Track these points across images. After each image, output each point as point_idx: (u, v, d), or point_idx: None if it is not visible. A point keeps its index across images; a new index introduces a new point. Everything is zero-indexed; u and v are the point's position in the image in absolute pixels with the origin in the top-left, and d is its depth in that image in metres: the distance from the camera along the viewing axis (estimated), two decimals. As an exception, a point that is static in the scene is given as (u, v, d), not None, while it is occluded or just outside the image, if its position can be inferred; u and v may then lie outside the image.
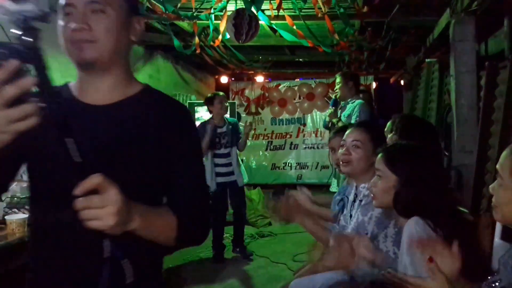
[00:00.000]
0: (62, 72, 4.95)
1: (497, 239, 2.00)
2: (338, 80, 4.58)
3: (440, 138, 4.25)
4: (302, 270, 2.89)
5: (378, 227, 1.98)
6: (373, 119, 4.74)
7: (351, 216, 2.25)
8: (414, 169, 1.74)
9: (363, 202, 2.09)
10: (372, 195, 1.88)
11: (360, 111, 4.28)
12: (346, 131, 2.40)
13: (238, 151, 5.02)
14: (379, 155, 1.84)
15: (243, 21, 4.19)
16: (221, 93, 5.02)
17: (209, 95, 5.10)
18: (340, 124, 4.31)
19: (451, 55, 4.30)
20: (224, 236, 5.07)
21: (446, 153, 4.71)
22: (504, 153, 1.31)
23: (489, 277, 1.36)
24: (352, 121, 4.20)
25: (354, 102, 4.43)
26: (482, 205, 3.46)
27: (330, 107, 4.70)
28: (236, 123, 5.10)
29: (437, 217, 1.62)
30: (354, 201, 2.24)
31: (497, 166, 1.32)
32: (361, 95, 4.69)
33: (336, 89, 4.66)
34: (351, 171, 2.28)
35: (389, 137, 2.52)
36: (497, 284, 1.29)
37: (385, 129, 2.80)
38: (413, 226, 1.60)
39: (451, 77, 4.31)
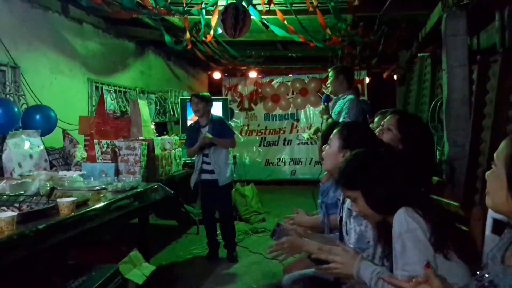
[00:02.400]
0: (52, 69, 4.93)
1: (488, 232, 1.99)
2: (330, 74, 4.46)
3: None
4: (292, 264, 2.89)
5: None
6: (363, 115, 4.69)
7: (342, 218, 2.25)
8: (369, 176, 1.76)
9: (353, 214, 2.07)
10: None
11: (349, 108, 4.14)
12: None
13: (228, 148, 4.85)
14: (339, 183, 1.89)
15: (234, 16, 4.16)
16: (197, 94, 4.79)
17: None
18: (330, 121, 4.27)
19: (443, 50, 4.30)
20: (217, 233, 4.99)
21: (439, 147, 4.71)
22: (503, 143, 1.33)
23: (477, 272, 1.35)
24: (341, 119, 4.10)
25: (345, 98, 4.29)
26: (474, 199, 3.47)
27: (322, 103, 4.60)
28: (220, 118, 4.89)
29: (421, 205, 1.63)
30: (343, 203, 2.24)
31: (494, 154, 1.34)
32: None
33: (327, 84, 4.57)
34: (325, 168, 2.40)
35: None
36: (485, 278, 1.28)
37: (374, 124, 2.81)
38: (403, 216, 1.61)
39: (443, 71, 4.30)
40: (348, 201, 2.12)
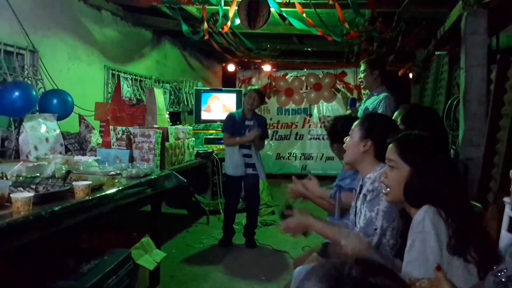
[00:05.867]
0: (69, 54, 4.96)
1: (504, 231, 1.98)
2: (362, 68, 4.15)
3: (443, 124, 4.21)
4: (303, 257, 2.90)
5: (387, 221, 1.97)
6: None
7: (356, 208, 2.25)
8: (426, 159, 1.72)
9: (368, 198, 2.07)
10: (383, 186, 1.88)
11: (386, 106, 3.87)
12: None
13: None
14: (390, 145, 1.82)
15: (247, 6, 4.15)
16: (254, 88, 5.07)
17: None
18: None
19: (462, 48, 4.25)
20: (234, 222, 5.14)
21: (454, 147, 4.68)
22: None
23: (495, 267, 1.35)
24: None
25: (379, 95, 4.01)
26: (488, 199, 3.44)
27: (349, 107, 4.48)
28: (264, 119, 5.10)
29: (449, 206, 1.60)
30: (359, 192, 2.23)
31: None
32: None
33: (360, 78, 4.34)
34: (346, 160, 2.39)
35: None
36: (503, 273, 1.28)
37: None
38: (423, 215, 1.59)
39: (461, 70, 4.26)
40: (364, 188, 2.13)
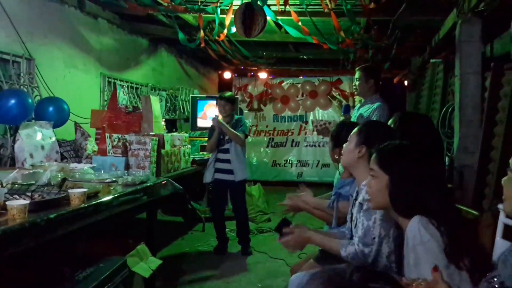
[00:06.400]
0: (66, 62, 4.96)
1: (498, 238, 1.99)
2: (357, 75, 4.14)
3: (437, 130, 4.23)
4: (300, 264, 2.90)
5: (384, 229, 1.98)
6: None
7: (352, 215, 2.26)
8: (406, 168, 1.73)
9: (365, 207, 2.08)
10: (368, 197, 1.89)
11: (379, 115, 3.87)
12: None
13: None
14: (373, 156, 1.85)
15: (249, 16, 4.17)
16: (220, 96, 5.00)
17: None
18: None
19: (456, 56, 4.29)
20: (226, 230, 5.12)
21: (449, 154, 4.70)
22: None
23: (488, 274, 1.36)
24: None
25: (373, 104, 4.01)
26: (483, 206, 3.46)
27: (342, 113, 4.51)
28: (241, 118, 5.01)
29: (439, 215, 1.61)
30: (355, 199, 2.24)
31: (510, 160, 1.34)
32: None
33: (354, 85, 4.35)
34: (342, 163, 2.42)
35: None
36: (495, 279, 1.29)
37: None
38: (416, 226, 1.59)
39: (456, 77, 4.29)
40: (360, 196, 2.13)
